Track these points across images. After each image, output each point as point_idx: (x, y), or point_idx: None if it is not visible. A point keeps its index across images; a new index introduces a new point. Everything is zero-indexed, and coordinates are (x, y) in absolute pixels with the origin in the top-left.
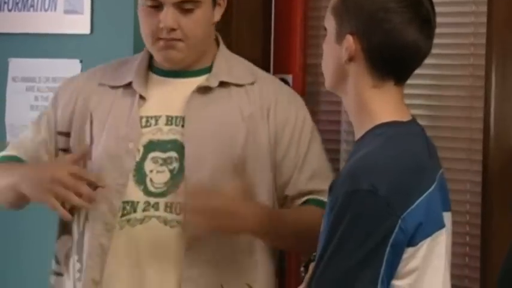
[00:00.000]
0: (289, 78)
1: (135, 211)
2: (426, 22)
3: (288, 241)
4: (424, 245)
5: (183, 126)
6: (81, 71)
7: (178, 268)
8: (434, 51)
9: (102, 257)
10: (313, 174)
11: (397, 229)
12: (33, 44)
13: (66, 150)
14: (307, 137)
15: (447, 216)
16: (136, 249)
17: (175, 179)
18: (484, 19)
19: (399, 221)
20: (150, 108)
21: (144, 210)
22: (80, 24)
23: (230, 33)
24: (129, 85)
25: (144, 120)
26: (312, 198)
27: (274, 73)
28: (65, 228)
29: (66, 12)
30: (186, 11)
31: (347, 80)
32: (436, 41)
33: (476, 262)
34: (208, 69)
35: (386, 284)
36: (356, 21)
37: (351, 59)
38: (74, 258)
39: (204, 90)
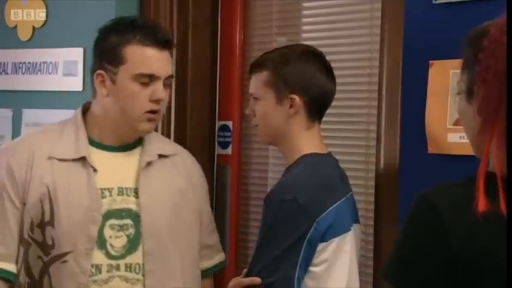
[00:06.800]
0: (230, 123)
1: (100, 272)
2: (330, 69)
3: None
4: (334, 243)
5: (133, 196)
6: None
7: None
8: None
9: None
10: (212, 230)
11: (312, 229)
12: (40, 98)
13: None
14: (208, 204)
15: (357, 227)
16: None
17: (132, 243)
18: (376, 70)
19: (314, 223)
20: (102, 180)
21: (107, 271)
22: (75, 83)
23: (186, 90)
24: (80, 158)
25: (99, 191)
26: (210, 267)
27: (219, 119)
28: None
29: (65, 75)
30: (166, 85)
31: (286, 131)
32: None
33: (370, 261)
34: (137, 143)
35: (304, 269)
36: (294, 83)
37: (295, 112)
38: None
39: (147, 164)
